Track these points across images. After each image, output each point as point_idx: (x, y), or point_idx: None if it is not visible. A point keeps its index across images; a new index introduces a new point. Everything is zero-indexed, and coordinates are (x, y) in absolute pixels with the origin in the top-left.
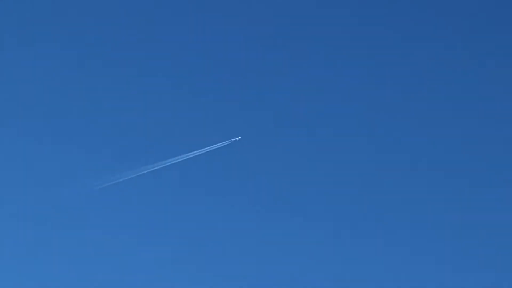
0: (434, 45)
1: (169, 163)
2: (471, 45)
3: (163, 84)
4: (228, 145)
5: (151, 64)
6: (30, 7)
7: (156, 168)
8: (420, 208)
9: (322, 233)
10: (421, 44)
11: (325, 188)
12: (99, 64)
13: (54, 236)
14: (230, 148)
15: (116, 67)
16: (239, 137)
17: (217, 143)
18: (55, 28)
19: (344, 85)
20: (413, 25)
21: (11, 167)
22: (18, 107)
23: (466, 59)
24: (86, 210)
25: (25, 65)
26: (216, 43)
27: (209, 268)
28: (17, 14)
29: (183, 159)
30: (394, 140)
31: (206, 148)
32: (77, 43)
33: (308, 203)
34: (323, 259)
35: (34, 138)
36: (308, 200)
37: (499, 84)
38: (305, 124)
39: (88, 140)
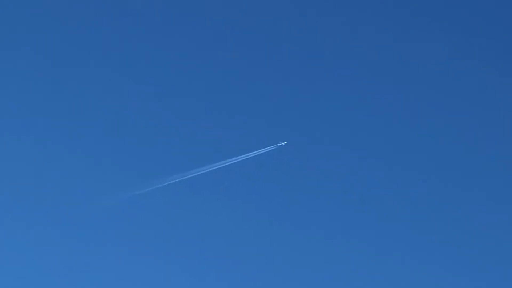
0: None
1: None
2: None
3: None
4: (274, 150)
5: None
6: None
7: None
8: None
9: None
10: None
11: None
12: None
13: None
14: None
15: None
16: (285, 142)
17: (263, 148)
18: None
19: None
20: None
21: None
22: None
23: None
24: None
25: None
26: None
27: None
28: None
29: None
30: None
31: (252, 153)
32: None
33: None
34: None
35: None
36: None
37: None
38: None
39: (136, 146)
